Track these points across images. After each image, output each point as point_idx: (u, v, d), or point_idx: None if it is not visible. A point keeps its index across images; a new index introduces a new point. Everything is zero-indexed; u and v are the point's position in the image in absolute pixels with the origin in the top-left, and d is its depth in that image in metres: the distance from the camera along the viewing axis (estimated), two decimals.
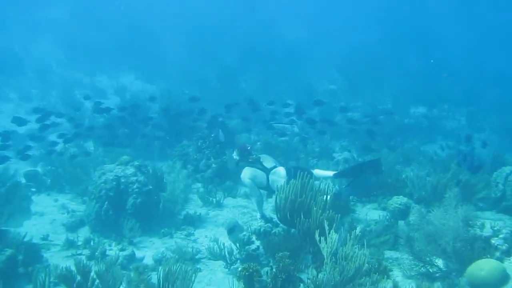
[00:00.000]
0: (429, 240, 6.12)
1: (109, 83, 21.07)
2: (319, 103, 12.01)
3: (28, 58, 23.30)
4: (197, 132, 11.51)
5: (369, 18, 37.11)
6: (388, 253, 6.87)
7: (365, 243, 5.06)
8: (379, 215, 8.14)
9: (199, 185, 10.34)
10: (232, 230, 7.19)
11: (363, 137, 11.60)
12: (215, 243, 7.01)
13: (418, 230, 6.38)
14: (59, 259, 6.84)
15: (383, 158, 10.24)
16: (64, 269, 5.09)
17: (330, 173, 8.17)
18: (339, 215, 6.05)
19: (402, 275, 6.21)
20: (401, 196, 8.50)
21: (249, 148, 8.32)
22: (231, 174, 10.28)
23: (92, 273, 5.12)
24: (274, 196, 6.86)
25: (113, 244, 7.50)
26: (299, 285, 5.11)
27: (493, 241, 6.43)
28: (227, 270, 6.70)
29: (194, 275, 4.95)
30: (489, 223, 6.91)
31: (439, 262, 6.17)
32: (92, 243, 7.27)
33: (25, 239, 6.70)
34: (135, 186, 8.07)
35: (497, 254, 6.29)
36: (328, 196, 6.47)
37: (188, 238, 7.90)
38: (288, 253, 5.29)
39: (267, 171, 7.92)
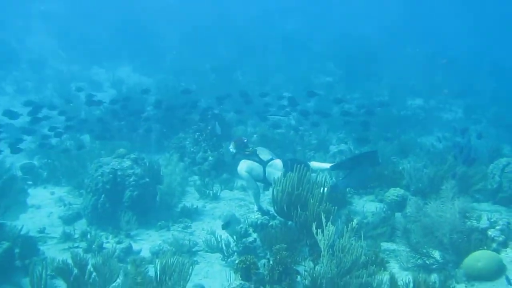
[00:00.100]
0: (426, 232, 6.14)
1: (106, 76, 20.96)
2: (312, 94, 12.00)
3: (24, 51, 23.12)
4: (190, 125, 11.48)
5: (366, 9, 37.02)
6: (385, 245, 6.89)
7: (362, 235, 5.07)
8: (376, 207, 8.15)
9: (196, 177, 10.33)
10: (227, 225, 7.18)
11: (358, 128, 11.60)
12: (212, 236, 7.01)
13: (415, 222, 6.40)
14: (56, 252, 6.84)
15: (380, 150, 10.23)
16: (61, 262, 5.08)
17: (327, 165, 8.17)
18: (336, 207, 6.07)
19: (399, 267, 6.22)
20: (398, 188, 8.50)
21: (245, 141, 8.31)
22: (228, 167, 10.27)
23: (89, 266, 5.10)
24: (271, 189, 6.86)
25: (110, 237, 7.49)
26: (296, 278, 5.11)
27: (489, 233, 6.45)
28: (224, 262, 6.71)
29: (191, 267, 4.94)
30: (485, 214, 6.94)
31: (436, 254, 6.19)
32: (89, 236, 7.26)
33: (22, 232, 6.69)
34: (131, 179, 8.05)
35: (494, 245, 6.31)
36: (325, 188, 6.48)
37: (185, 230, 7.89)
38: (285, 245, 5.30)
39: (264, 163, 7.91)
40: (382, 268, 5.47)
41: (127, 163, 8.25)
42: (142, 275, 4.93)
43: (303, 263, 5.85)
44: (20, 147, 9.60)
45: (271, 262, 5.10)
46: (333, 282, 4.58)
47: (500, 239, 6.39)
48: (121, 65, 22.98)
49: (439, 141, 12.43)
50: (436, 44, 26.12)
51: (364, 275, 4.56)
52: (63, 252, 6.82)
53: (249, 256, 5.30)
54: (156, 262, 5.02)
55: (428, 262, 6.16)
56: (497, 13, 38.31)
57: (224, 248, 6.75)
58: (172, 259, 4.92)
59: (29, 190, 9.25)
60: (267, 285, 4.97)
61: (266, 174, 7.84)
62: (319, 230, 4.80)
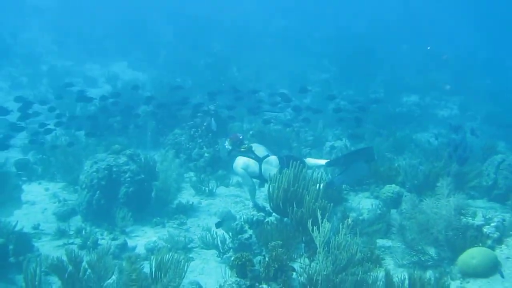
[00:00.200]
0: (421, 228, 6.15)
1: (101, 72, 20.87)
2: (304, 90, 12.03)
3: (18, 46, 22.99)
4: (182, 122, 11.43)
5: (361, 6, 36.97)
6: (381, 242, 6.89)
7: (357, 232, 5.08)
8: (371, 204, 8.16)
9: (191, 174, 10.31)
10: (220, 224, 7.17)
11: (353, 125, 11.60)
12: (207, 232, 7.00)
13: (411, 219, 6.41)
14: (50, 249, 6.80)
15: (376, 146, 10.24)
16: (55, 259, 5.05)
17: (323, 161, 8.18)
18: (332, 204, 6.07)
19: (394, 263, 6.23)
20: (394, 184, 8.51)
21: (241, 137, 8.31)
22: (224, 163, 10.24)
23: (84, 263, 5.07)
24: (266, 185, 6.85)
25: (105, 233, 7.47)
26: (292, 274, 5.10)
27: (485, 230, 6.45)
28: (219, 259, 6.69)
29: (186, 264, 4.93)
30: (481, 211, 6.96)
31: (431, 251, 6.20)
32: (83, 232, 7.22)
33: (16, 229, 6.66)
34: (127, 175, 8.02)
35: (489, 242, 6.32)
36: (321, 185, 6.47)
37: (181, 227, 7.87)
38: (281, 242, 5.29)
39: (260, 160, 7.91)
40: (378, 265, 5.48)
41: (122, 159, 8.22)
42: (137, 272, 4.91)
43: (299, 260, 5.84)
44: (8, 144, 9.47)
45: (266, 259, 5.09)
46: (329, 279, 4.58)
47: (495, 236, 6.40)
48: (116, 61, 22.89)
49: (436, 138, 12.45)
50: (432, 41, 26.11)
51: (360, 272, 4.56)
52: (58, 249, 6.79)
53: (244, 253, 5.28)
54: (152, 259, 5.00)
55: (423, 259, 6.16)
56: (494, 11, 38.37)
57: (220, 244, 6.74)
58: (167, 255, 4.91)
59: (24, 186, 9.19)
60: (262, 282, 4.96)
61: (262, 170, 7.83)
62: (315, 227, 4.80)
